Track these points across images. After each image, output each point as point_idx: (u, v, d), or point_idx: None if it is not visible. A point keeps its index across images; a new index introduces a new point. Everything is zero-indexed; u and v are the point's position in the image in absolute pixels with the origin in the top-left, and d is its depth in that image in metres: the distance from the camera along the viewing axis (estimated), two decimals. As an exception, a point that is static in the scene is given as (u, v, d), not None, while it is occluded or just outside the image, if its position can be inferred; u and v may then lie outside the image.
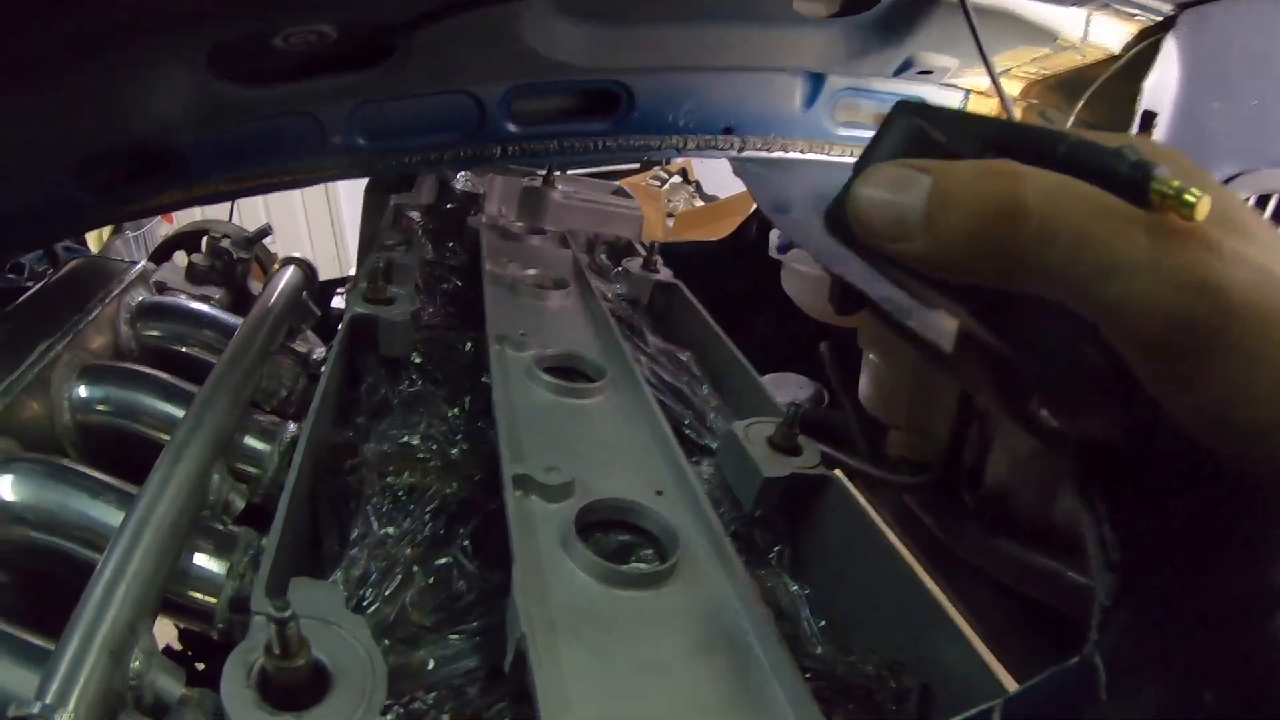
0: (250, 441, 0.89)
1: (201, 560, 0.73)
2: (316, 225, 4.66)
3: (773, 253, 1.27)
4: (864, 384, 1.27)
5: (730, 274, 1.39)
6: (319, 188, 4.51)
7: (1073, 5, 1.06)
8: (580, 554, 0.60)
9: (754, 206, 1.95)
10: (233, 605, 0.71)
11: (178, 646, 1.10)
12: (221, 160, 0.99)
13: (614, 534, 0.66)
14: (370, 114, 0.99)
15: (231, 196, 1.02)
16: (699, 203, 4.26)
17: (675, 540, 0.64)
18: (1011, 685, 0.60)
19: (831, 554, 0.75)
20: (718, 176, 4.41)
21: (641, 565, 0.63)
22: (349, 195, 4.58)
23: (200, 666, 1.03)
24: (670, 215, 3.81)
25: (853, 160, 1.21)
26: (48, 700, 0.50)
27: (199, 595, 0.72)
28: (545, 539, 0.61)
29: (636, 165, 4.28)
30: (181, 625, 0.98)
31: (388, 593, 0.59)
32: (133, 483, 0.75)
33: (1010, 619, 1.02)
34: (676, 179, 4.33)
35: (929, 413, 1.21)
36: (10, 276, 1.36)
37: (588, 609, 0.57)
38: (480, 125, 1.02)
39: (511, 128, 1.03)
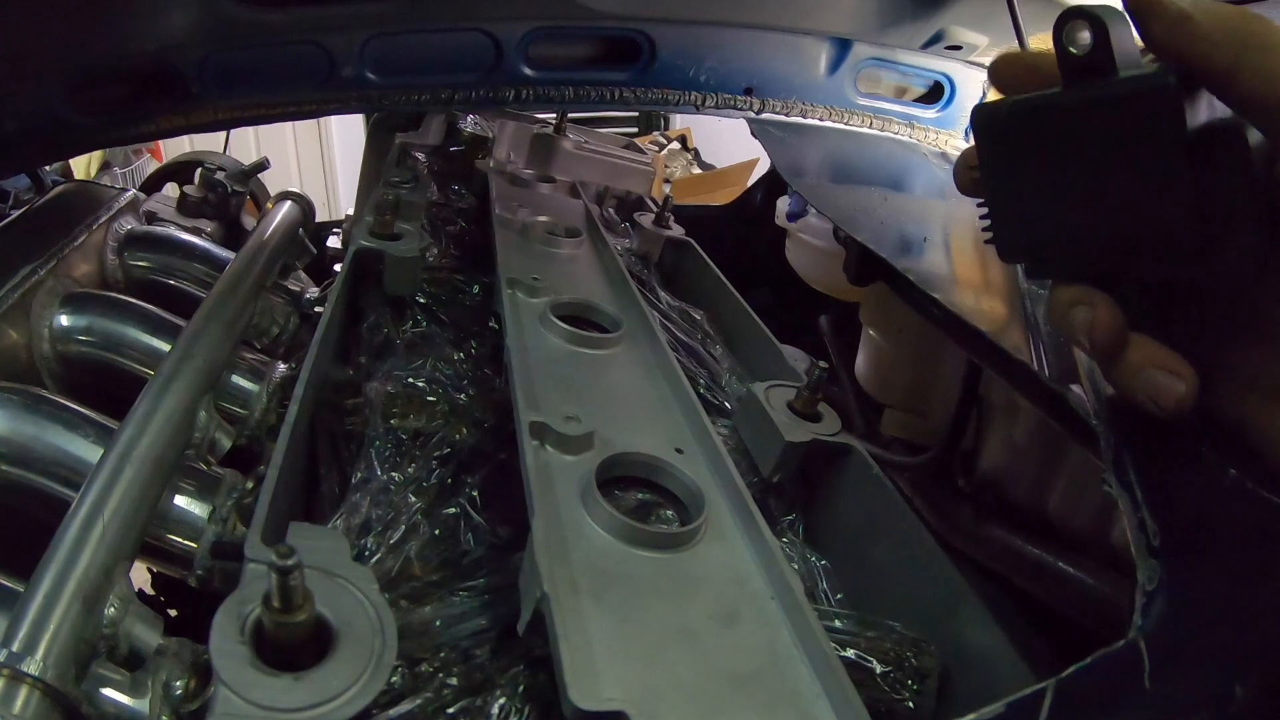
0: (238, 380, 0.82)
1: (183, 502, 0.67)
2: (308, 167, 4.51)
3: (780, 221, 1.21)
4: (862, 361, 1.22)
5: (729, 242, 1.32)
6: (312, 130, 4.39)
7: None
8: (602, 510, 0.53)
9: (751, 179, 1.89)
10: (214, 551, 0.65)
11: (149, 591, 1.02)
12: (224, 86, 0.91)
13: (632, 491, 0.60)
14: (383, 47, 0.92)
15: (231, 125, 0.94)
16: (696, 170, 4.16)
17: (700, 501, 0.57)
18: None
19: (849, 525, 0.70)
20: (716, 145, 4.32)
21: (666, 526, 0.57)
22: (342, 137, 4.45)
23: (173, 613, 0.96)
24: (667, 181, 3.73)
25: (872, 131, 1.13)
26: (14, 648, 0.44)
27: (178, 539, 0.66)
28: (564, 493, 0.55)
29: (635, 129, 4.19)
30: (155, 569, 0.91)
31: (391, 542, 0.52)
32: (113, 419, 0.68)
33: (998, 606, 0.98)
34: (675, 145, 4.23)
35: (927, 394, 1.16)
36: (-5, 204, 1.26)
37: (609, 569, 0.51)
38: (496, 66, 0.95)
39: (528, 71, 0.95)
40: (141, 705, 0.49)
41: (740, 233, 1.42)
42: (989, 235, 0.48)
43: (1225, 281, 0.41)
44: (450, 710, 0.43)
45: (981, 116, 0.46)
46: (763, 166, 2.13)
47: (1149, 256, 0.42)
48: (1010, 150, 0.45)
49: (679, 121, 4.48)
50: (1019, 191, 0.46)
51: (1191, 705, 0.40)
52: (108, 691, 0.49)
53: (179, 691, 0.51)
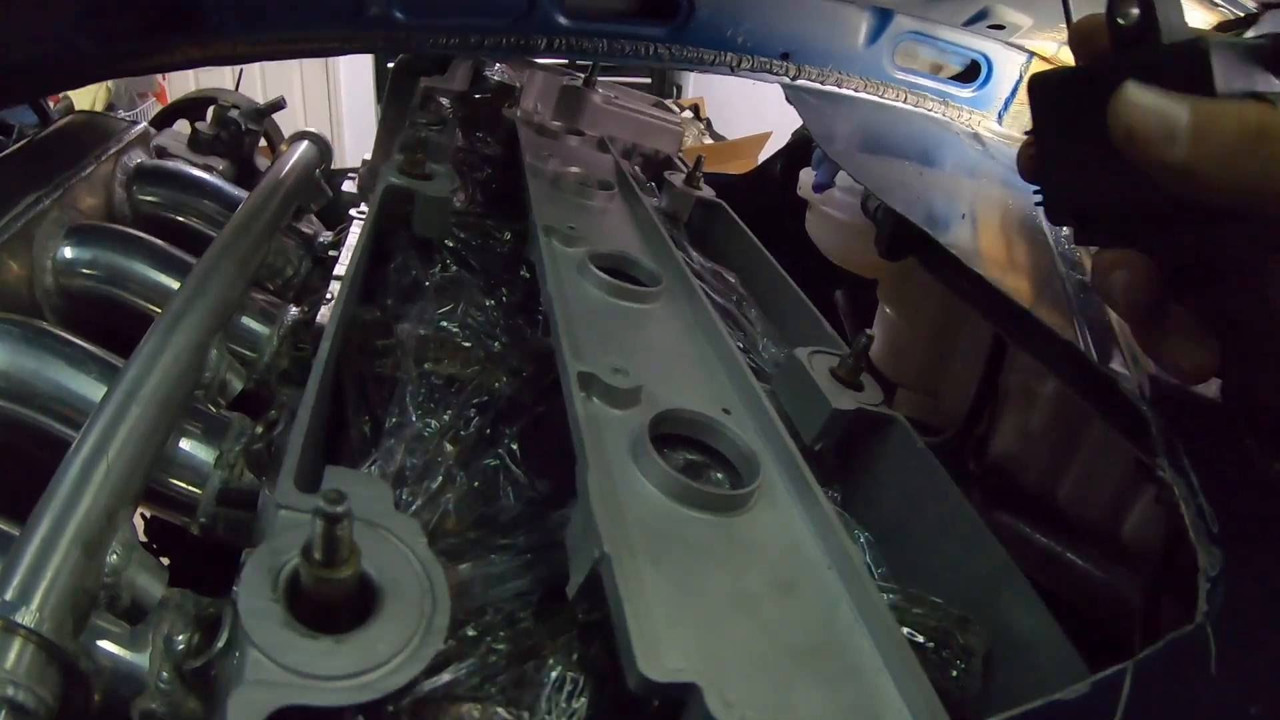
0: (248, 322, 0.76)
1: (188, 446, 0.61)
2: (314, 113, 4.40)
3: (804, 192, 1.15)
4: (877, 339, 1.17)
5: (745, 211, 1.27)
6: (320, 77, 4.27)
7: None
8: (656, 467, 0.48)
9: (763, 153, 1.83)
10: (220, 497, 0.60)
11: (142, 539, 0.96)
12: (244, 18, 0.84)
13: (680, 451, 0.54)
14: (413, -14, 0.84)
15: (251, 59, 0.87)
16: (708, 140, 4.06)
17: (755, 464, 0.52)
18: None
19: (889, 498, 0.65)
20: (729, 116, 4.23)
21: (718, 487, 0.51)
22: (349, 86, 4.35)
23: (165, 561, 0.90)
24: (678, 150, 3.63)
25: (906, 106, 1.06)
26: (8, 596, 0.39)
27: (182, 484, 0.61)
28: (614, 448, 0.49)
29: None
30: (151, 514, 0.85)
31: (429, 492, 0.46)
32: (115, 356, 0.63)
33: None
34: (687, 114, 4.12)
35: (941, 375, 1.12)
36: (-1, 138, 1.18)
37: (664, 530, 0.45)
38: (529, 13, 0.88)
39: (562, 20, 0.89)
40: (141, 660, 0.44)
41: (757, 202, 1.36)
42: (1039, 198, 0.50)
43: (1263, 243, 0.42)
44: (500, 679, 0.38)
45: (1036, 82, 0.49)
46: (776, 141, 2.06)
47: (1188, 221, 0.42)
48: (1062, 115, 0.48)
49: (691, 90, 4.38)
50: (1069, 155, 0.47)
51: (1250, 691, 0.37)
52: (105, 644, 0.44)
53: (180, 646, 0.45)
